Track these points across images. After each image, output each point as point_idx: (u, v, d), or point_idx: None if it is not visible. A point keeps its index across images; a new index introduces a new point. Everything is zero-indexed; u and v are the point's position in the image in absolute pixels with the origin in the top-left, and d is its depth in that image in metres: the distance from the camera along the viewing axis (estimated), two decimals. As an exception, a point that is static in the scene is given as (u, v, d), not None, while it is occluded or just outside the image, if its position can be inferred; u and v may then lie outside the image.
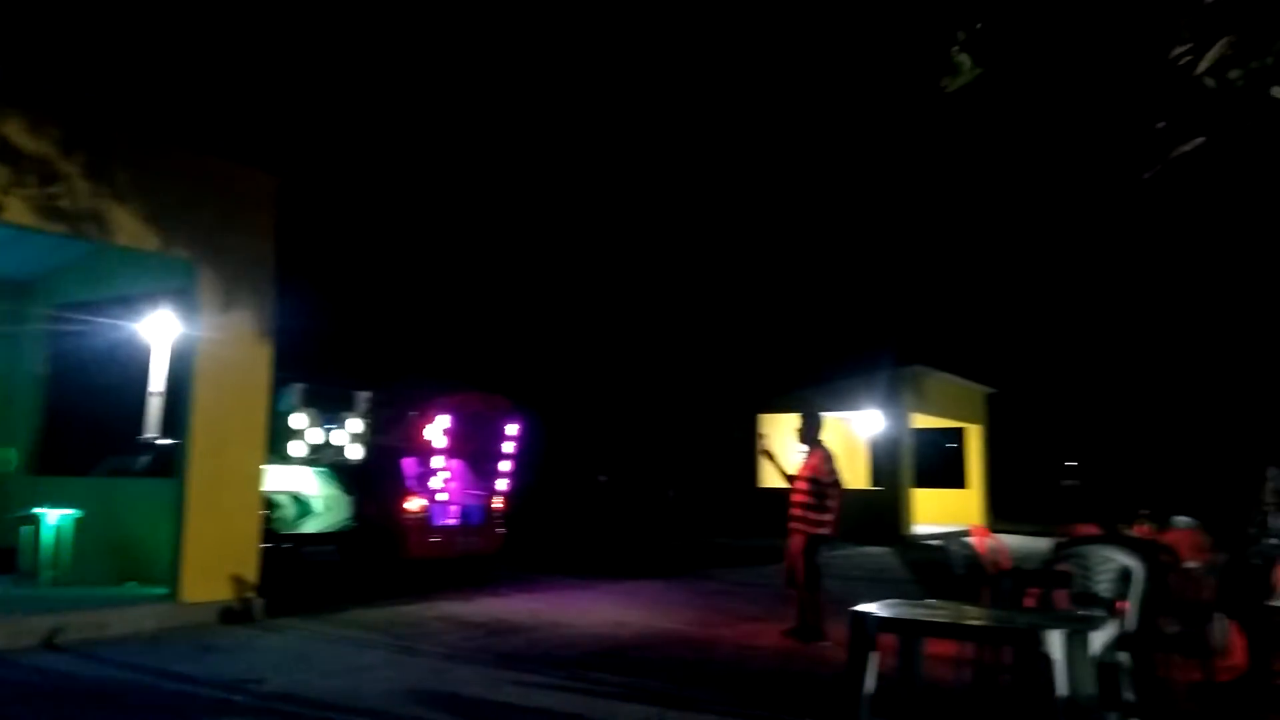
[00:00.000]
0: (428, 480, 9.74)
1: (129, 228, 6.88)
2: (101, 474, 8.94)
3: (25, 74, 6.28)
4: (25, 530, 7.64)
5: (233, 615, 7.08)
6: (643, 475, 18.04)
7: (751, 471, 17.21)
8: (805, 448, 6.91)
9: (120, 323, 9.20)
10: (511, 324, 17.64)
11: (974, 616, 4.03)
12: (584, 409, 17.82)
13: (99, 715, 4.63)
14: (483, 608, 8.07)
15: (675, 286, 18.79)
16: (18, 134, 6.23)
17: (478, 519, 10.32)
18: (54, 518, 7.59)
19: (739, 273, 19.06)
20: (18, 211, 6.27)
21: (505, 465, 10.65)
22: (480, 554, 10.19)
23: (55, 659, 5.73)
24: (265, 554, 7.64)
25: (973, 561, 5.83)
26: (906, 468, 17.61)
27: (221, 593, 7.12)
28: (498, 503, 10.54)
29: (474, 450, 10.54)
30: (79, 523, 7.74)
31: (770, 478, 15.54)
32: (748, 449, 16.66)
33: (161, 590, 7.09)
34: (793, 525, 6.78)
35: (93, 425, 9.37)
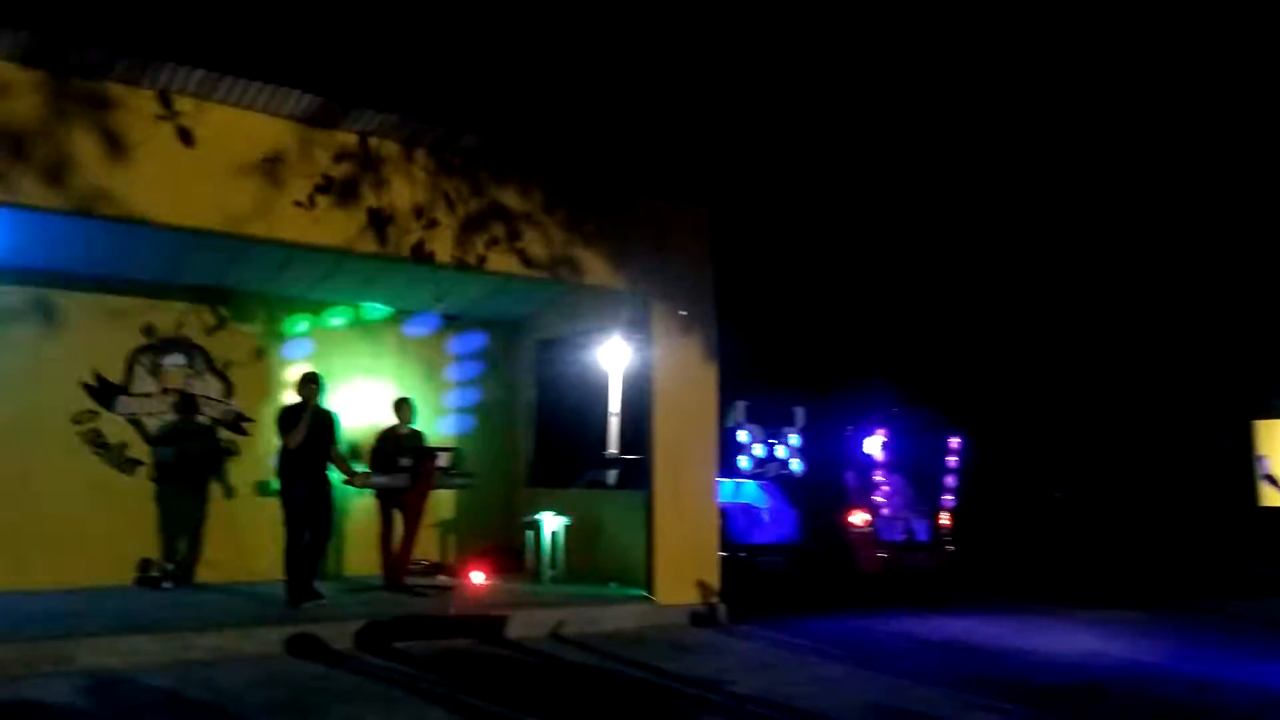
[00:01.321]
0: (870, 494, 9.84)
1: (594, 269, 7.85)
2: (581, 486, 10.26)
3: (508, 141, 7.40)
4: (529, 535, 9.04)
5: (700, 618, 7.75)
6: (1106, 491, 16.36)
7: (1248, 488, 14.81)
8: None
9: (585, 352, 10.52)
10: (950, 331, 17.06)
11: None
12: (1035, 418, 16.61)
13: (598, 700, 5.32)
14: (938, 627, 7.92)
15: (1140, 269, 16.73)
16: (505, 194, 7.42)
17: (924, 535, 10.19)
18: (550, 524, 8.88)
19: (1223, 248, 16.45)
20: (507, 262, 7.45)
21: (949, 480, 10.43)
22: (929, 571, 10.03)
23: (559, 648, 6.69)
24: (723, 563, 8.26)
25: None
26: None
27: (689, 597, 7.82)
28: (944, 519, 10.34)
29: (915, 465, 10.45)
30: (568, 529, 8.97)
31: (1274, 497, 13.33)
32: (1242, 461, 14.38)
33: (639, 592, 7.97)
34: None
35: (571, 443, 10.74)
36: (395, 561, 8.12)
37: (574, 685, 5.66)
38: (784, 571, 9.82)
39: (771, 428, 10.51)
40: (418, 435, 8.62)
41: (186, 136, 6.11)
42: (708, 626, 7.69)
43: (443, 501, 9.65)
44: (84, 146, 5.81)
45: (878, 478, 10.02)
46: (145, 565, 8.22)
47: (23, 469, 7.94)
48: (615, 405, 11.01)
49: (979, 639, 7.41)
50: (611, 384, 10.51)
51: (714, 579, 8.05)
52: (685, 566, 7.91)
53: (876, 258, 16.86)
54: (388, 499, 8.28)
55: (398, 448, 8.26)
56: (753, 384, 11.33)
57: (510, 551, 9.67)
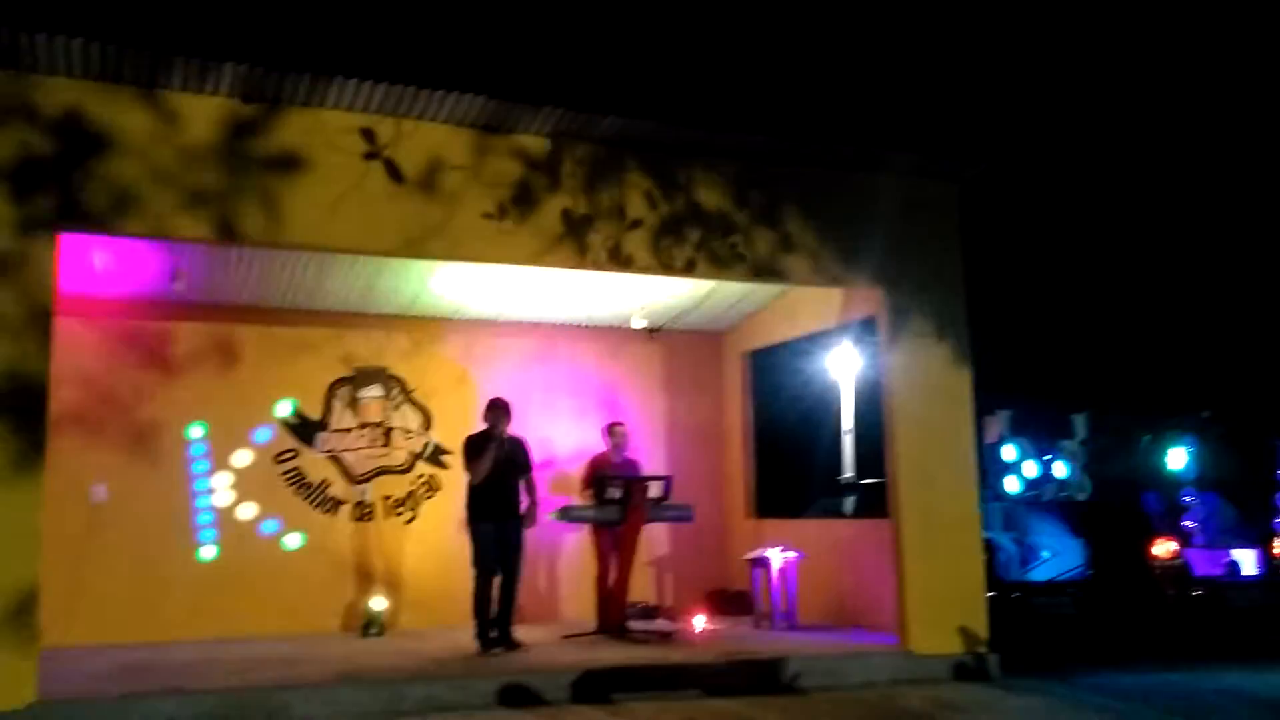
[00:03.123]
0: (1177, 519, 9.24)
1: (814, 264, 7.77)
2: (813, 515, 10.22)
3: (709, 126, 7.49)
4: (755, 573, 9.10)
5: (966, 671, 7.50)
6: None
7: None
8: None
9: (809, 361, 10.48)
10: (1262, 319, 15.66)
11: None
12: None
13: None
14: (1277, 683, 7.28)
15: None
16: (708, 188, 7.51)
17: (1252, 568, 9.43)
18: (778, 561, 8.89)
19: None
20: (715, 265, 7.53)
21: (1282, 498, 9.61)
22: (1259, 612, 9.24)
23: (798, 704, 6.65)
24: (992, 604, 7.97)
25: None
26: None
27: (951, 645, 7.59)
28: (1277, 548, 9.54)
29: (1235, 482, 9.71)
30: (800, 565, 8.94)
31: None
32: None
33: (888, 639, 7.83)
34: None
35: (797, 467, 10.74)
36: (609, 604, 8.39)
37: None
38: (1069, 614, 9.35)
39: (1045, 441, 10.05)
40: (631, 464, 8.88)
41: (394, 168, 6.66)
42: (976, 680, 7.43)
43: (657, 537, 9.88)
44: (264, 175, 6.44)
45: (1186, 499, 9.39)
46: (351, 612, 8.93)
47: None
48: (849, 422, 10.88)
49: (1335, 698, 6.75)
50: (843, 397, 10.41)
51: (981, 624, 7.77)
52: (944, 609, 7.69)
53: (1171, 230, 15.73)
54: (601, 534, 8.58)
55: (609, 477, 8.54)
56: (1024, 389, 10.89)
57: (734, 592, 9.76)
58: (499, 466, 7.79)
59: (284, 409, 9.17)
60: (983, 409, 8.96)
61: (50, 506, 5.98)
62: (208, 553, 8.75)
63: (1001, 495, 9.60)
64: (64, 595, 7.83)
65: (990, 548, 8.85)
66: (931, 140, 7.98)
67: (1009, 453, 9.79)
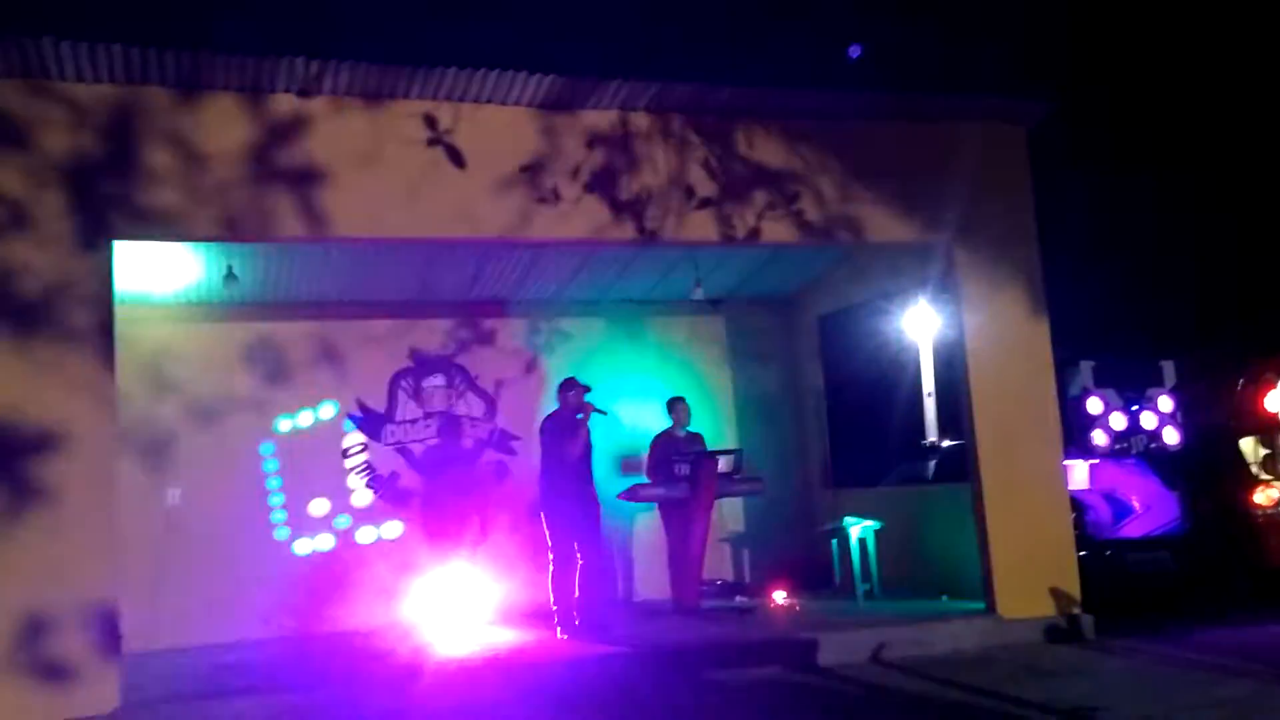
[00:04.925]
0: (1277, 464, 8.96)
1: (882, 222, 7.69)
2: (891, 483, 10.09)
3: (768, 87, 7.40)
4: (834, 544, 9.05)
5: (1058, 634, 7.42)
6: None
7: None
8: None
9: (882, 322, 10.32)
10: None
11: None
12: None
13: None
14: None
15: None
16: (770, 151, 7.45)
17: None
18: (857, 530, 8.84)
19: None
20: (781, 230, 7.46)
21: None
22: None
23: (884, 675, 6.65)
24: (1082, 564, 7.85)
25: None
26: None
27: (1041, 608, 7.50)
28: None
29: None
30: (879, 534, 8.88)
31: None
32: None
33: (975, 605, 7.75)
34: None
35: (874, 433, 10.61)
36: (685, 582, 8.41)
37: (908, 716, 5.63)
38: (1166, 571, 9.13)
39: (1132, 391, 9.76)
40: (697, 438, 8.87)
41: (454, 152, 6.70)
42: (1069, 643, 7.35)
43: (732, 511, 9.87)
44: (319, 168, 6.53)
45: (1285, 441, 9.08)
46: (428, 603, 9.06)
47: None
48: (929, 383, 10.70)
49: None
50: (922, 358, 10.24)
51: (1073, 585, 7.67)
52: (1033, 571, 7.60)
53: (1258, 161, 15.18)
54: (671, 512, 8.59)
55: (676, 453, 8.54)
56: (1105, 337, 10.61)
57: (814, 564, 9.72)
58: (583, 446, 7.80)
59: (349, 403, 9.33)
60: (1065, 361, 8.76)
61: (125, 514, 6.18)
62: (283, 551, 8.97)
63: (1089, 450, 9.36)
64: (144, 601, 8.10)
65: (1079, 505, 8.68)
66: (996, 84, 7.78)
67: (1094, 405, 9.51)
